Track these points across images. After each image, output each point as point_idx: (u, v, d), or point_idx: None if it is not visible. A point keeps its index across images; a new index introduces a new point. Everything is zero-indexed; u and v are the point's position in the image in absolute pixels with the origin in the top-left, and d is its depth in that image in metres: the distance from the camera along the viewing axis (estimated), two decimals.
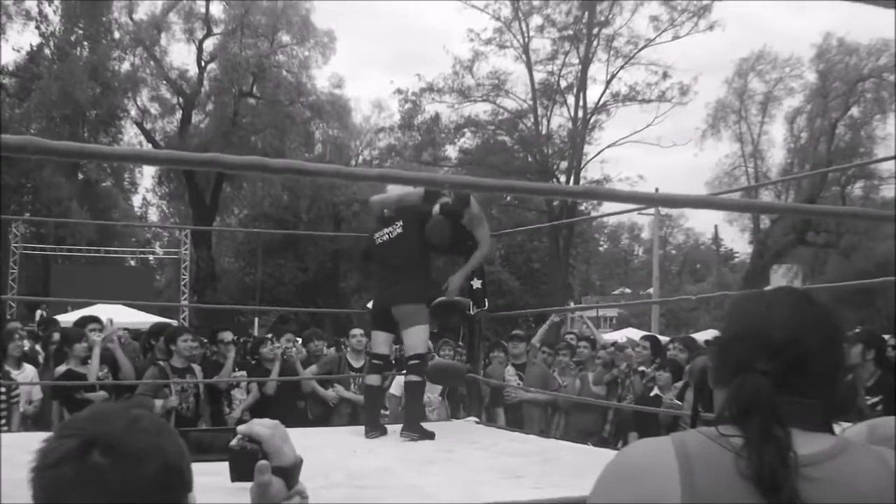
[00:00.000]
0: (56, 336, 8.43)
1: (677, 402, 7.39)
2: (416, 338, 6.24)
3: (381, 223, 6.45)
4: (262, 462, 1.52)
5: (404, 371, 6.63)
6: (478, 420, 7.21)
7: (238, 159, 1.55)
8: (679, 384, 7.66)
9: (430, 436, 6.05)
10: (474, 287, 6.82)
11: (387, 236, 6.35)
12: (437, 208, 6.30)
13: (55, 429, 1.37)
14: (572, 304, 34.28)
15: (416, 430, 6.03)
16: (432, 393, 7.96)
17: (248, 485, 1.53)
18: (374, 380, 6.52)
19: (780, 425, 1.40)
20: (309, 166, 1.61)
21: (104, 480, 1.29)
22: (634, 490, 1.42)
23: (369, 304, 7.00)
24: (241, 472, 1.53)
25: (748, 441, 1.39)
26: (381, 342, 6.50)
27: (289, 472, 1.55)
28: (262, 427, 1.57)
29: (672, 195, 2.32)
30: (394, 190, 6.50)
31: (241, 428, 1.58)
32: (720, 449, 1.41)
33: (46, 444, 1.33)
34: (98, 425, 1.33)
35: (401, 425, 6.25)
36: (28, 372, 7.70)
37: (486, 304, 6.99)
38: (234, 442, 1.55)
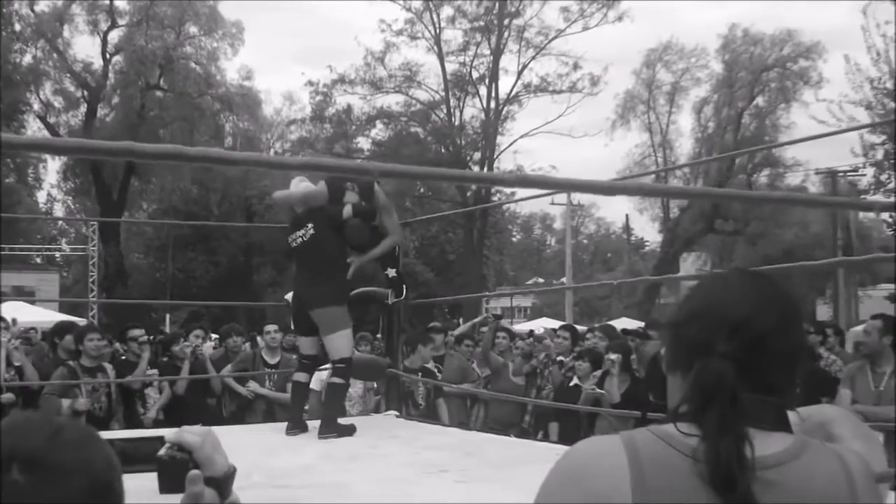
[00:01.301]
0: None
1: (599, 390, 7.42)
2: (340, 342, 6.15)
3: (295, 224, 6.32)
4: (194, 472, 1.42)
5: (325, 367, 6.56)
6: (398, 414, 7.15)
7: (154, 148, 1.47)
8: (598, 373, 7.69)
9: (349, 431, 5.99)
10: (390, 276, 6.76)
11: (300, 239, 6.22)
12: (348, 209, 6.22)
13: None
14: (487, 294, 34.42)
15: (333, 429, 5.94)
16: (353, 388, 7.88)
17: (179, 496, 1.44)
18: (301, 377, 6.45)
19: (739, 420, 1.35)
20: (225, 154, 1.53)
21: (25, 500, 1.15)
22: (582, 491, 1.36)
23: (287, 296, 6.89)
24: (171, 483, 1.44)
25: (705, 435, 1.34)
26: (308, 345, 6.43)
27: (221, 483, 1.45)
28: (191, 435, 1.46)
29: (600, 182, 2.29)
30: (297, 186, 6.45)
31: (169, 436, 1.48)
32: (672, 449, 1.36)
33: None
34: (16, 439, 1.19)
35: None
36: None
37: (405, 292, 6.91)
38: (162, 451, 1.46)
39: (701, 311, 1.49)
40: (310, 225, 6.17)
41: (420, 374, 8.19)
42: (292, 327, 7.25)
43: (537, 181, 1.85)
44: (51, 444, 1.19)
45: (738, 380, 1.37)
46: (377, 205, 6.43)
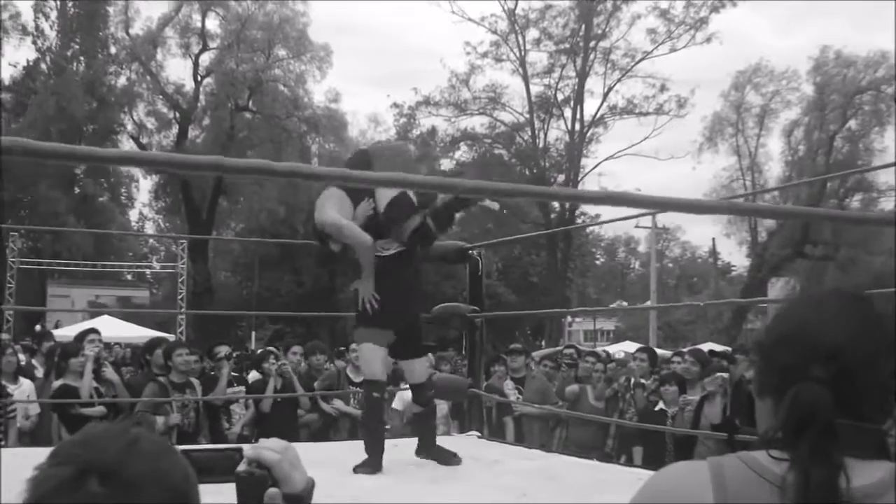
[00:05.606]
0: (43, 348, 8.35)
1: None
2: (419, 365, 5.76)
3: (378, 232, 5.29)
4: (273, 490, 1.41)
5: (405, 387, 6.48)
6: (480, 435, 7.10)
7: (243, 162, 1.50)
8: (692, 397, 7.59)
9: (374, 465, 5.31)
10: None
11: (393, 250, 5.38)
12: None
13: (47, 455, 1.22)
14: (570, 317, 34.22)
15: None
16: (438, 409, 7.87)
17: None
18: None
19: (834, 448, 1.28)
20: (312, 169, 1.56)
21: None
22: None
23: (361, 287, 5.61)
24: (249, 500, 1.43)
25: (795, 462, 1.28)
26: (421, 370, 5.85)
27: (300, 500, 1.44)
28: (270, 451, 1.44)
29: (693, 201, 2.24)
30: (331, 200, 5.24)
31: (247, 452, 1.46)
32: (760, 477, 1.31)
33: (38, 472, 1.19)
34: (93, 450, 1.19)
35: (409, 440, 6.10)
36: (25, 387, 7.58)
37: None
38: (241, 468, 1.45)
39: (794, 334, 1.41)
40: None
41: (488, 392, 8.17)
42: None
43: (623, 198, 1.82)
44: (127, 455, 1.19)
45: (833, 406, 1.31)
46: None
